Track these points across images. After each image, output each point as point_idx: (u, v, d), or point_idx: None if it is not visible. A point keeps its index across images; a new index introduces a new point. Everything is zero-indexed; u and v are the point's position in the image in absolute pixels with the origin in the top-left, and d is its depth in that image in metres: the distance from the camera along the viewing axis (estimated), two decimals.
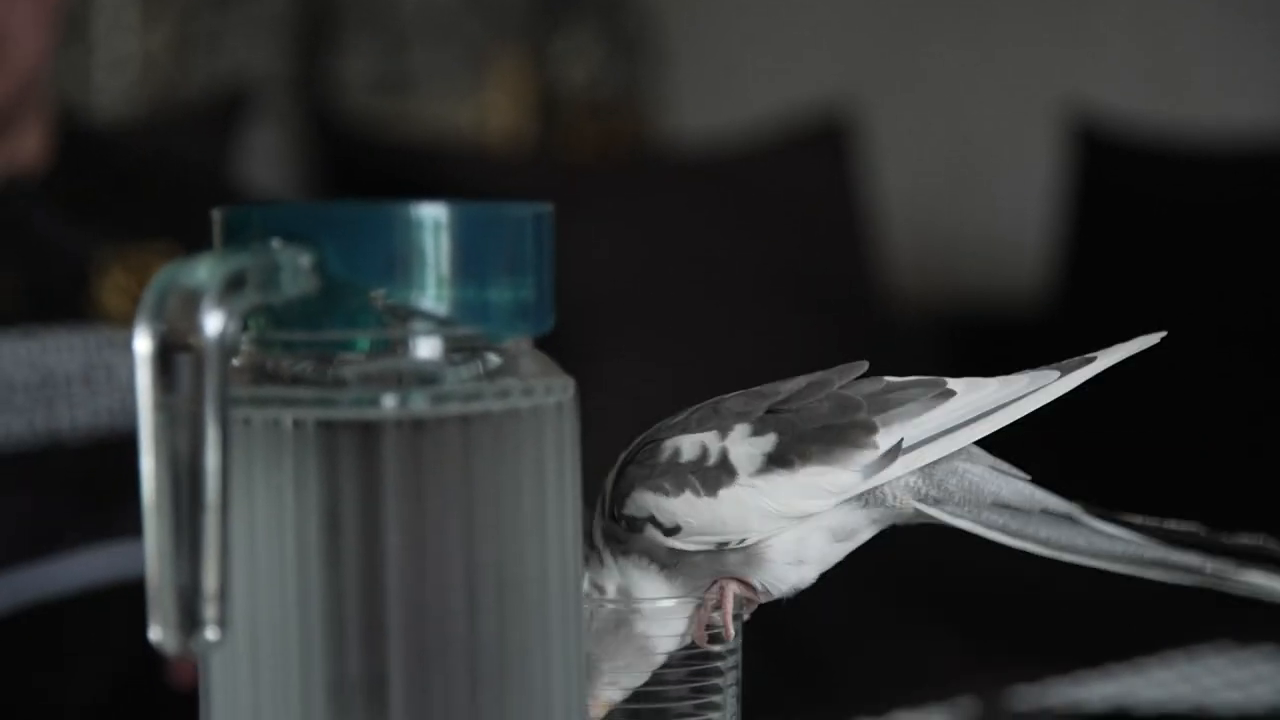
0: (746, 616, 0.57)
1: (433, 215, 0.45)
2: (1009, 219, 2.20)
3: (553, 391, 0.47)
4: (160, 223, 1.29)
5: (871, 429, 0.54)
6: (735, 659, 0.57)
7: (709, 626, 0.56)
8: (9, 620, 1.18)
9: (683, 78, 2.39)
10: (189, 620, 0.42)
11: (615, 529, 0.55)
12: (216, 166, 1.73)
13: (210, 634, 0.42)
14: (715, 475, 0.54)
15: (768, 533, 0.54)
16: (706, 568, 0.55)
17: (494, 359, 0.46)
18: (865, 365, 0.56)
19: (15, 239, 1.27)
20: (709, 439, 0.55)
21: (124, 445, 1.24)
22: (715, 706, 0.56)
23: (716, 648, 0.56)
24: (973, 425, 0.55)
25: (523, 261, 0.46)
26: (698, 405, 0.56)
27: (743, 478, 0.54)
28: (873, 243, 1.99)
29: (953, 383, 0.56)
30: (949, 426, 0.55)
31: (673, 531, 0.54)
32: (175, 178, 1.38)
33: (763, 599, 0.56)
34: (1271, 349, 1.76)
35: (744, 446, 0.54)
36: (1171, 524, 0.56)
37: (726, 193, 1.93)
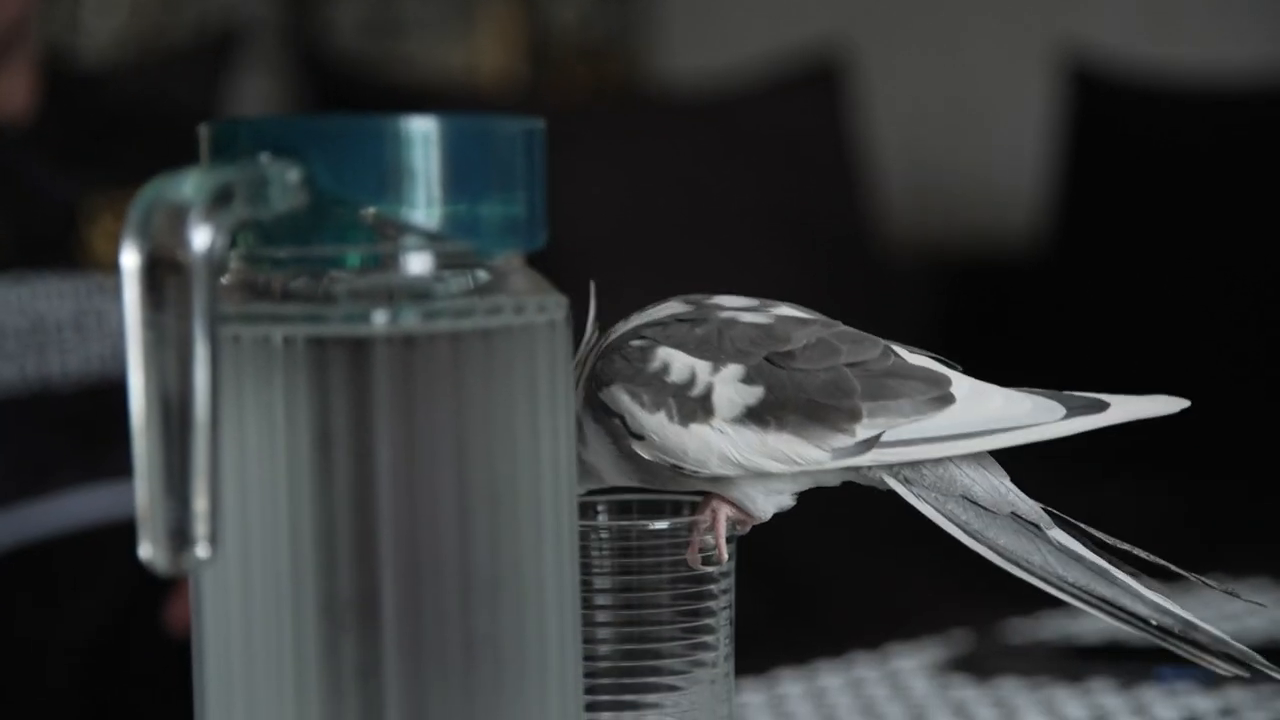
0: (740, 533, 0.57)
1: (423, 128, 0.44)
2: (1003, 160, 2.19)
3: (545, 309, 0.46)
4: (149, 167, 1.28)
5: (855, 417, 0.54)
6: (729, 583, 0.57)
7: (701, 549, 0.55)
8: (1, 560, 1.18)
9: (674, 19, 2.38)
10: (179, 538, 0.42)
11: (593, 398, 0.55)
12: (206, 110, 1.72)
13: (201, 551, 0.42)
14: (693, 407, 0.54)
15: (724, 474, 0.55)
16: (664, 471, 0.55)
17: (485, 276, 0.46)
18: (880, 346, 0.56)
19: (3, 186, 1.26)
20: (701, 368, 0.54)
21: (115, 391, 1.24)
22: (709, 629, 0.56)
23: (710, 569, 0.56)
24: (958, 442, 0.55)
25: (514, 176, 0.46)
26: (708, 316, 0.55)
27: (717, 420, 0.54)
28: (866, 184, 1.98)
29: (957, 384, 0.55)
30: (934, 436, 0.55)
31: (638, 437, 0.55)
32: (164, 121, 1.37)
33: (754, 523, 0.56)
34: (1266, 288, 1.76)
35: (729, 390, 0.54)
36: (1140, 552, 0.56)
37: (719, 135, 1.92)
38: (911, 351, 0.56)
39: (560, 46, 2.33)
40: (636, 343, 0.55)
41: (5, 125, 1.28)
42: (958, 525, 0.56)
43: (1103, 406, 0.55)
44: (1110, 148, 1.91)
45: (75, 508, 1.21)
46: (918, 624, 0.91)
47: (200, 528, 0.42)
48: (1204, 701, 0.76)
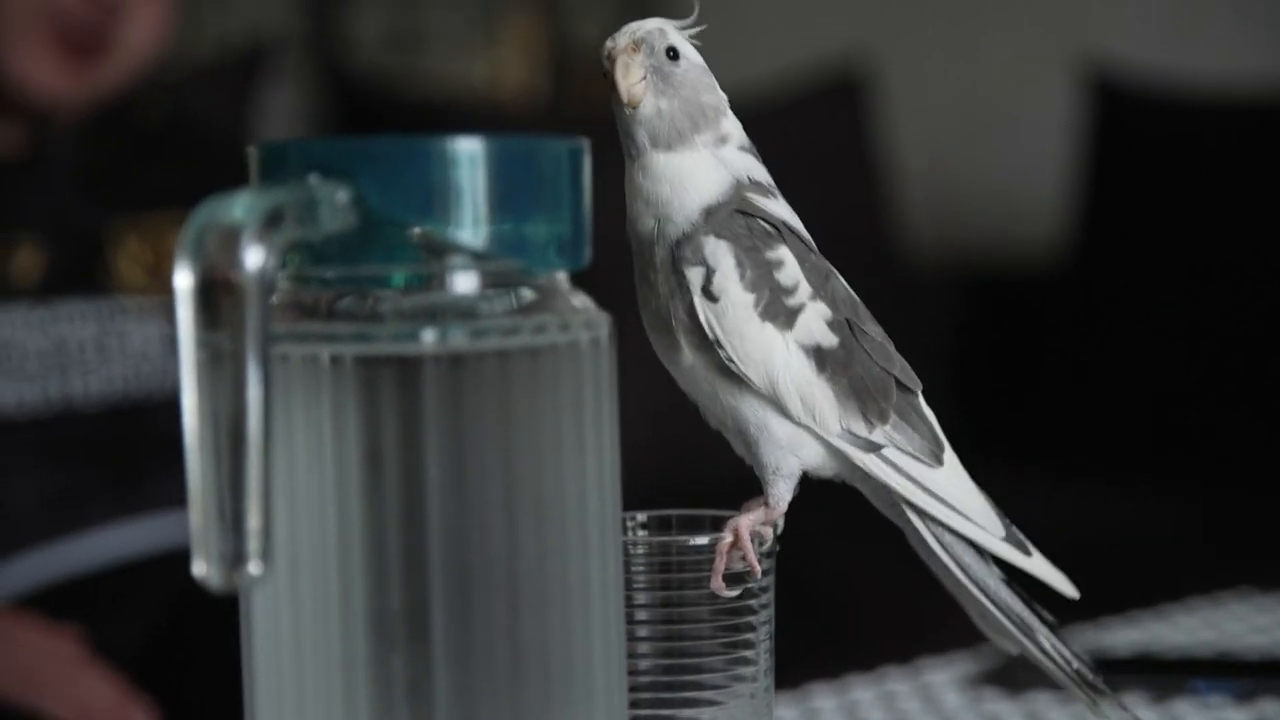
0: (767, 546, 0.57)
1: (470, 149, 0.45)
2: (1025, 171, 2.19)
3: (591, 327, 0.47)
4: (175, 190, 1.29)
5: (883, 418, 0.58)
6: (768, 598, 0.57)
7: (727, 568, 0.56)
8: (40, 595, 1.19)
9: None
10: (233, 556, 0.42)
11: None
12: (232, 129, 1.72)
13: (254, 569, 0.42)
14: (778, 312, 0.57)
15: (753, 381, 0.56)
16: (699, 360, 0.57)
17: (530, 295, 0.46)
18: (919, 384, 0.60)
19: (35, 207, 1.26)
20: (805, 287, 0.57)
21: (138, 412, 1.24)
22: (749, 644, 0.56)
23: (736, 590, 0.56)
24: (927, 498, 0.59)
25: (558, 195, 0.46)
26: (814, 250, 0.58)
27: (789, 336, 0.57)
28: (888, 196, 1.98)
29: (948, 455, 0.60)
30: (915, 479, 0.59)
31: (708, 296, 0.56)
32: (190, 143, 1.38)
33: (773, 519, 0.57)
34: None
35: (815, 320, 0.57)
36: (1042, 610, 0.63)
37: None
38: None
39: (582, 59, 2.34)
40: (765, 225, 0.57)
41: (47, 138, 1.28)
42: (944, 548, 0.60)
43: (1026, 551, 0.61)
44: (1132, 158, 1.91)
45: (111, 543, 1.22)
46: (948, 637, 0.91)
47: (253, 545, 0.42)
48: (1237, 714, 0.76)
